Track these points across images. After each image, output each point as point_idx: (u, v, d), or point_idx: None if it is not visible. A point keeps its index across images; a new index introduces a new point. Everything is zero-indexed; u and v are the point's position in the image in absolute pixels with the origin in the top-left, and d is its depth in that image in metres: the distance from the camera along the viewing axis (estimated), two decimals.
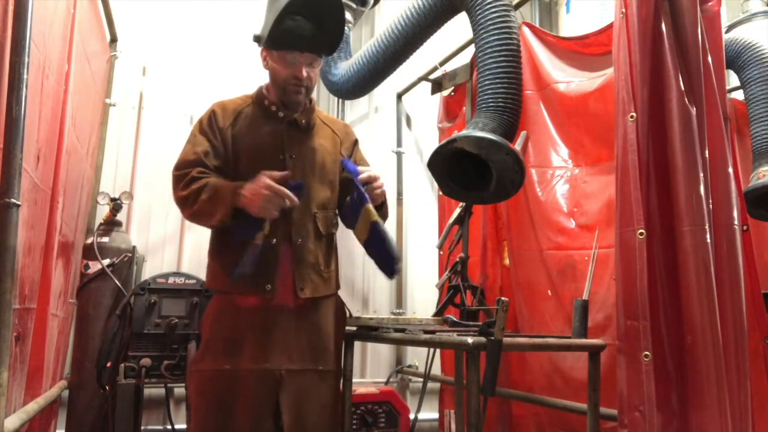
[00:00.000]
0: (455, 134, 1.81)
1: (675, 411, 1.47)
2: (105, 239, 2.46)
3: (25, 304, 1.51)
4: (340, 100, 3.39)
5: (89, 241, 2.43)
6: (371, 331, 1.88)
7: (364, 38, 3.60)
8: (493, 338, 1.38)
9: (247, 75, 2.63)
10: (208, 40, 3.17)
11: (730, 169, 1.57)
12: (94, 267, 2.38)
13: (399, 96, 3.60)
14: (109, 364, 2.28)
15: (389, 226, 3.43)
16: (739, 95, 2.82)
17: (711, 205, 1.51)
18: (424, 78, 3.19)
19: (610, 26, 2.06)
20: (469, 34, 2.20)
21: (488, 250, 2.59)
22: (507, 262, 2.57)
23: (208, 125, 1.77)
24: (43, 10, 1.50)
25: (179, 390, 2.74)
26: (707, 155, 1.54)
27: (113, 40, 2.83)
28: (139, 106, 3.01)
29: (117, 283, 2.38)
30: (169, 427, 2.64)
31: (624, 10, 1.64)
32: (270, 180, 1.58)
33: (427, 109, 3.53)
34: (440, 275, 2.75)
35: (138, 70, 3.03)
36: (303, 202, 1.70)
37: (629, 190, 1.55)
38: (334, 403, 1.80)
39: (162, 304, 2.39)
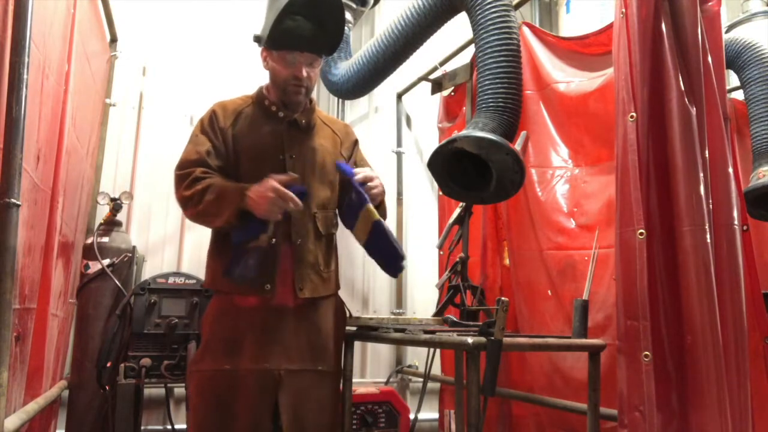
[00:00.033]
0: (455, 134, 1.81)
1: (675, 411, 1.47)
2: (105, 239, 2.46)
3: (25, 304, 1.51)
4: (340, 100, 3.39)
5: (89, 241, 2.43)
6: (371, 331, 1.88)
7: (364, 38, 3.60)
8: (493, 338, 1.38)
9: (247, 75, 2.64)
10: (208, 40, 3.17)
11: (730, 169, 1.57)
12: (94, 267, 2.38)
13: (399, 96, 3.60)
14: (109, 364, 2.28)
15: (389, 227, 3.44)
16: (739, 95, 2.82)
17: (711, 205, 1.51)
18: (424, 78, 3.19)
19: (610, 26, 2.06)
20: (469, 34, 2.20)
21: (488, 250, 2.59)
22: (507, 262, 2.57)
23: (209, 125, 1.77)
24: (43, 10, 1.50)
25: (179, 390, 2.74)
26: (707, 155, 1.54)
27: (113, 40, 2.83)
28: (139, 106, 3.01)
29: (117, 283, 2.38)
30: (169, 427, 2.64)
31: (624, 10, 1.64)
32: (276, 183, 1.58)
33: (427, 109, 3.53)
34: (440, 275, 2.75)
35: (138, 70, 3.03)
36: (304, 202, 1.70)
37: (629, 190, 1.55)
38: (334, 404, 1.80)
39: (162, 304, 2.39)
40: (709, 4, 1.66)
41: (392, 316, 2.75)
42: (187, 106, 3.05)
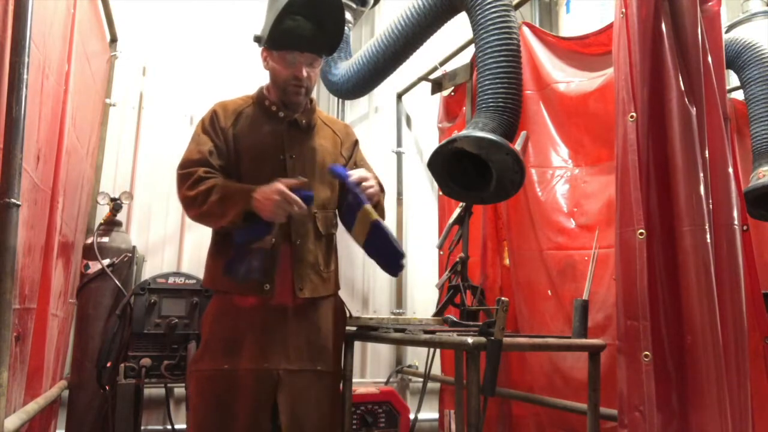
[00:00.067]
0: (455, 134, 1.81)
1: (675, 411, 1.47)
2: (105, 239, 2.46)
3: (25, 304, 1.51)
4: (340, 100, 3.39)
5: (89, 241, 2.43)
6: (371, 331, 1.88)
7: (364, 38, 3.60)
8: (493, 338, 1.38)
9: (247, 75, 2.64)
10: (208, 40, 3.17)
11: (730, 169, 1.57)
12: (94, 267, 2.38)
13: (399, 96, 3.60)
14: (109, 364, 2.28)
15: (389, 227, 3.44)
16: (739, 95, 2.82)
17: (711, 205, 1.51)
18: (424, 78, 3.19)
19: (610, 26, 2.06)
20: (469, 34, 2.20)
21: (488, 250, 2.59)
22: (507, 262, 2.57)
23: (210, 125, 1.77)
24: (43, 10, 1.50)
25: (179, 390, 2.74)
26: (707, 155, 1.54)
27: (113, 40, 2.83)
28: (139, 106, 3.01)
29: (117, 283, 2.38)
30: (169, 427, 2.64)
31: (624, 10, 1.64)
32: (283, 186, 1.58)
33: (427, 109, 3.53)
34: (440, 275, 2.75)
35: (138, 70, 3.03)
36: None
37: (629, 190, 1.55)
38: (333, 404, 1.80)
39: (162, 304, 2.39)
40: (709, 4, 1.66)
41: (392, 316, 2.75)
42: (187, 106, 3.05)
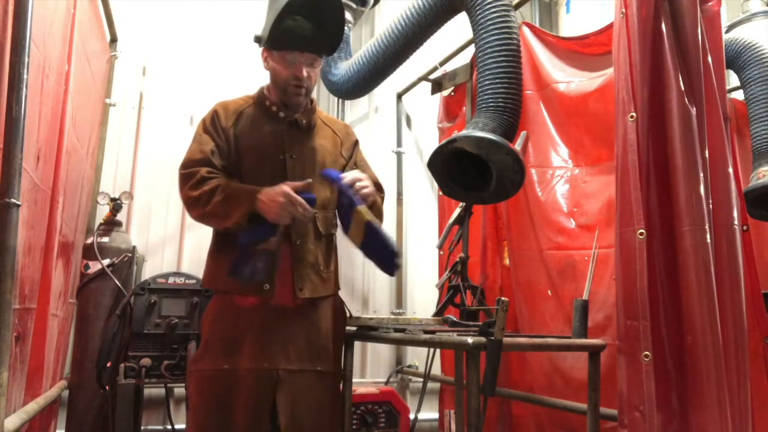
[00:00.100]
0: (455, 134, 1.81)
1: (675, 411, 1.47)
2: (105, 239, 2.46)
3: (25, 304, 1.51)
4: (340, 100, 3.39)
5: (89, 241, 2.43)
6: (371, 331, 1.88)
7: (364, 38, 3.60)
8: (493, 338, 1.38)
9: (247, 75, 2.64)
10: (208, 40, 3.17)
11: (730, 169, 1.57)
12: (94, 267, 2.38)
13: (399, 96, 3.60)
14: (109, 364, 2.28)
15: (389, 227, 3.45)
16: (739, 95, 2.82)
17: (711, 205, 1.51)
18: (424, 78, 3.19)
19: (610, 26, 2.06)
20: (469, 34, 2.20)
21: (488, 250, 2.59)
22: (507, 262, 2.57)
23: (212, 125, 1.77)
24: (43, 10, 1.50)
25: (179, 390, 2.74)
26: (707, 155, 1.54)
27: (113, 40, 2.83)
28: (139, 106, 3.01)
29: (117, 283, 2.38)
30: (169, 427, 2.64)
31: (624, 10, 1.64)
32: (288, 188, 1.58)
33: (427, 109, 3.53)
34: (440, 275, 2.75)
35: (138, 70, 3.03)
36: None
37: (629, 190, 1.55)
38: (332, 404, 1.80)
39: (162, 304, 2.39)
40: (709, 4, 1.66)
41: (392, 316, 2.75)
42: (187, 106, 3.05)
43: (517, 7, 2.25)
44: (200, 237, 2.90)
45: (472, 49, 2.53)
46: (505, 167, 1.74)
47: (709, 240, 1.46)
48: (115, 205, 2.54)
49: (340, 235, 1.88)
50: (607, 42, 2.20)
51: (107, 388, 2.27)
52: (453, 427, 2.76)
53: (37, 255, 1.61)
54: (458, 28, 2.52)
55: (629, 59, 1.61)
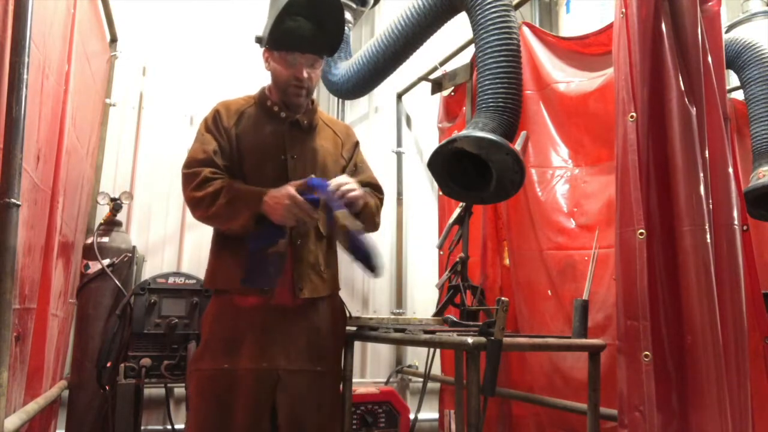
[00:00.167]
0: (455, 134, 1.81)
1: (675, 411, 1.47)
2: (105, 239, 2.46)
3: (25, 304, 1.51)
4: (340, 100, 3.39)
5: (89, 241, 2.43)
6: (371, 331, 1.88)
7: (364, 38, 3.60)
8: (493, 338, 1.38)
9: (247, 75, 2.64)
10: (208, 40, 3.17)
11: (730, 169, 1.57)
12: (94, 267, 2.38)
13: (399, 96, 3.60)
14: (109, 364, 2.28)
15: (389, 227, 3.45)
16: (739, 95, 2.82)
17: (711, 205, 1.51)
18: (424, 78, 3.19)
19: (610, 26, 2.06)
20: (469, 34, 2.20)
21: (488, 250, 2.59)
22: (507, 262, 2.57)
23: (213, 124, 1.77)
24: (43, 10, 1.50)
25: (179, 390, 2.74)
26: (707, 155, 1.54)
27: (113, 40, 2.83)
28: (139, 106, 3.01)
29: (117, 283, 2.38)
30: (169, 427, 2.64)
31: (624, 10, 1.64)
32: (293, 191, 1.58)
33: (427, 109, 3.53)
34: (440, 275, 2.75)
35: (138, 70, 3.03)
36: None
37: (629, 190, 1.55)
38: (332, 404, 1.80)
39: (162, 304, 2.39)
40: (709, 4, 1.66)
41: (392, 316, 2.75)
42: (187, 106, 3.05)
43: (517, 7, 2.25)
44: (200, 237, 2.90)
45: (472, 49, 2.53)
46: (505, 167, 1.74)
47: (709, 240, 1.46)
48: (115, 205, 2.54)
49: None
50: (607, 42, 2.20)
51: (107, 388, 2.27)
52: (453, 427, 2.76)
53: (37, 255, 1.61)
54: (458, 28, 2.52)
55: (629, 59, 1.61)
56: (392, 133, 3.58)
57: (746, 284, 1.55)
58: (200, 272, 2.09)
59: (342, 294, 1.92)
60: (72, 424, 2.30)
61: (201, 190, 1.64)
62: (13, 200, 1.21)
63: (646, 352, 1.47)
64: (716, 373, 1.40)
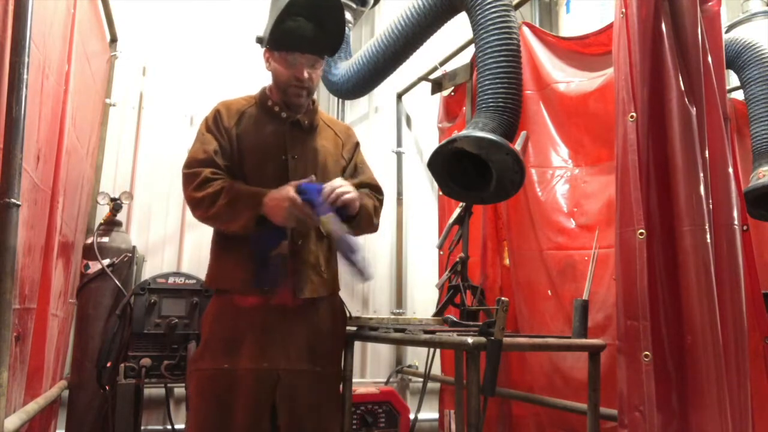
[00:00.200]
0: (455, 134, 1.81)
1: (675, 411, 1.47)
2: (105, 239, 2.46)
3: (25, 304, 1.51)
4: (340, 100, 3.39)
5: (89, 241, 2.43)
6: (371, 331, 1.88)
7: (364, 38, 3.60)
8: (493, 338, 1.38)
9: (247, 75, 2.64)
10: (208, 40, 3.17)
11: (730, 169, 1.57)
12: (94, 267, 2.38)
13: (399, 96, 3.60)
14: (109, 364, 2.28)
15: (389, 227, 3.45)
16: (739, 95, 2.82)
17: (711, 205, 1.51)
18: (424, 78, 3.19)
19: (610, 26, 2.06)
20: (469, 34, 2.20)
21: (488, 250, 2.59)
22: (507, 262, 2.57)
23: (214, 124, 1.77)
24: (43, 10, 1.50)
25: (179, 390, 2.74)
26: (707, 155, 1.54)
27: (113, 40, 2.83)
28: (139, 106, 3.01)
29: (117, 283, 2.38)
30: (169, 427, 2.64)
31: (624, 10, 1.64)
32: (294, 193, 1.58)
33: (427, 109, 3.53)
34: (440, 275, 2.75)
35: (138, 70, 3.03)
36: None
37: (629, 190, 1.55)
38: (332, 405, 1.80)
39: (162, 304, 2.39)
40: (709, 4, 1.66)
41: (392, 316, 2.75)
42: (187, 106, 3.05)
43: (517, 7, 2.25)
44: (200, 237, 2.90)
45: (472, 49, 2.53)
46: (505, 167, 1.74)
47: (709, 240, 1.46)
48: (115, 205, 2.54)
49: None
50: (607, 42, 2.20)
51: (107, 388, 2.27)
52: (453, 427, 2.76)
53: (37, 255, 1.61)
54: (458, 28, 2.52)
55: (629, 59, 1.60)
56: (392, 133, 3.58)
57: (746, 284, 1.55)
58: (200, 272, 2.09)
59: (342, 294, 1.92)
60: (72, 424, 2.30)
61: (201, 190, 1.64)
62: (13, 200, 1.21)
63: (646, 352, 1.47)
64: (716, 373, 1.40)
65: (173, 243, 2.96)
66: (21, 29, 1.26)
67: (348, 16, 3.06)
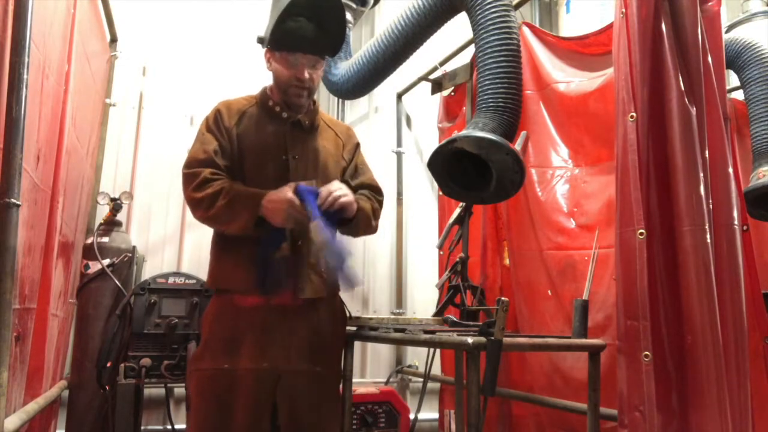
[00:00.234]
0: (455, 134, 1.81)
1: (675, 411, 1.47)
2: (105, 239, 2.46)
3: (25, 304, 1.51)
4: (340, 100, 3.39)
5: (89, 241, 2.43)
6: (371, 331, 1.88)
7: (364, 38, 3.60)
8: (493, 338, 1.38)
9: (247, 75, 2.64)
10: (208, 40, 3.17)
11: (730, 169, 1.57)
12: (94, 267, 2.38)
13: (399, 96, 3.60)
14: (109, 364, 2.28)
15: (389, 227, 3.44)
16: (739, 95, 2.82)
17: (711, 205, 1.51)
18: (424, 78, 3.19)
19: (610, 26, 2.06)
20: (469, 34, 2.20)
21: (488, 250, 2.59)
22: (507, 262, 2.57)
23: (215, 124, 1.77)
24: (43, 10, 1.50)
25: (179, 390, 2.74)
26: (707, 155, 1.54)
27: (113, 40, 2.83)
28: (139, 106, 3.01)
29: (117, 283, 2.38)
30: (169, 427, 2.64)
31: (624, 10, 1.64)
32: (292, 194, 1.58)
33: (427, 109, 3.53)
34: (440, 275, 2.75)
35: (138, 70, 3.03)
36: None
37: (629, 190, 1.55)
38: (332, 405, 1.80)
39: (162, 304, 2.39)
40: (709, 4, 1.66)
41: (392, 316, 2.75)
42: (187, 106, 3.05)
43: (517, 7, 2.25)
44: (200, 237, 2.90)
45: (472, 49, 2.53)
46: (505, 167, 1.74)
47: (709, 240, 1.46)
48: (115, 205, 2.54)
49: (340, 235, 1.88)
50: (607, 42, 2.20)
51: (107, 388, 2.27)
52: (453, 427, 2.76)
53: (37, 255, 1.62)
54: (458, 28, 2.52)
55: (629, 59, 1.61)
56: (392, 133, 3.58)
57: (746, 284, 1.55)
58: (200, 272, 2.09)
59: (342, 294, 1.92)
60: (72, 424, 2.30)
61: (201, 190, 1.64)
62: (13, 200, 1.21)
63: (646, 352, 1.47)
64: (716, 373, 1.40)
65: (173, 243, 2.96)
66: (21, 29, 1.26)
67: (348, 16, 3.05)
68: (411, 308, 3.46)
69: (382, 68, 2.67)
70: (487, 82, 1.87)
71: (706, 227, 1.47)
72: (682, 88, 1.53)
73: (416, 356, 3.35)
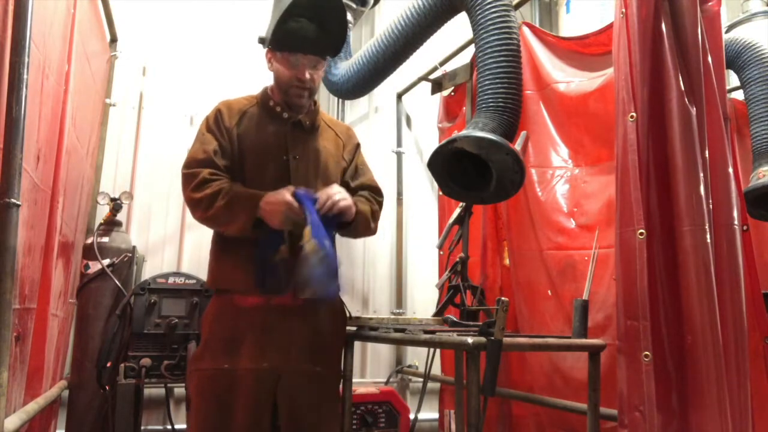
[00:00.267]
0: (455, 134, 1.81)
1: (675, 411, 1.47)
2: (105, 239, 2.46)
3: (25, 304, 1.51)
4: (340, 100, 3.39)
5: (89, 241, 2.43)
6: (371, 331, 1.88)
7: (364, 38, 3.60)
8: (493, 338, 1.38)
9: (247, 75, 2.64)
10: (208, 40, 3.17)
11: (730, 169, 1.57)
12: (94, 267, 2.38)
13: (399, 96, 3.60)
14: (109, 364, 2.28)
15: (389, 227, 3.45)
16: (739, 95, 2.82)
17: (711, 205, 1.51)
18: (424, 78, 3.19)
19: (610, 26, 2.06)
20: (469, 34, 2.20)
21: (488, 250, 2.59)
22: (507, 262, 2.57)
23: (215, 124, 1.77)
24: (43, 10, 1.50)
25: (179, 390, 2.74)
26: (707, 155, 1.54)
27: (113, 40, 2.83)
28: (139, 106, 3.01)
29: (117, 283, 2.38)
30: (169, 427, 2.64)
31: (624, 10, 1.64)
32: (290, 196, 1.58)
33: (427, 109, 3.53)
34: (440, 275, 2.75)
35: (138, 70, 3.03)
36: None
37: (629, 190, 1.55)
38: (332, 405, 1.80)
39: (162, 304, 2.39)
40: (709, 4, 1.66)
41: (392, 316, 2.75)
42: (187, 106, 3.05)
43: (517, 7, 2.25)
44: (200, 237, 2.90)
45: (472, 49, 2.53)
46: (505, 167, 1.74)
47: (709, 240, 1.46)
48: (115, 205, 2.54)
49: (339, 237, 1.88)
50: (607, 42, 2.20)
51: (107, 388, 2.27)
52: (453, 427, 2.76)
53: (37, 255, 1.62)
54: (458, 28, 2.52)
55: (629, 59, 1.61)
56: (392, 133, 3.58)
57: (746, 284, 1.55)
58: (200, 272, 2.09)
59: (342, 294, 1.92)
60: (72, 424, 2.30)
61: (200, 191, 1.64)
62: (13, 200, 1.21)
63: (646, 352, 1.47)
64: (716, 373, 1.40)
65: (173, 243, 2.96)
66: (21, 29, 1.26)
67: (348, 16, 3.05)
68: (411, 308, 3.46)
69: (382, 68, 2.67)
70: (487, 82, 1.87)
71: (706, 227, 1.47)
72: (682, 88, 1.53)
73: (416, 356, 3.35)
